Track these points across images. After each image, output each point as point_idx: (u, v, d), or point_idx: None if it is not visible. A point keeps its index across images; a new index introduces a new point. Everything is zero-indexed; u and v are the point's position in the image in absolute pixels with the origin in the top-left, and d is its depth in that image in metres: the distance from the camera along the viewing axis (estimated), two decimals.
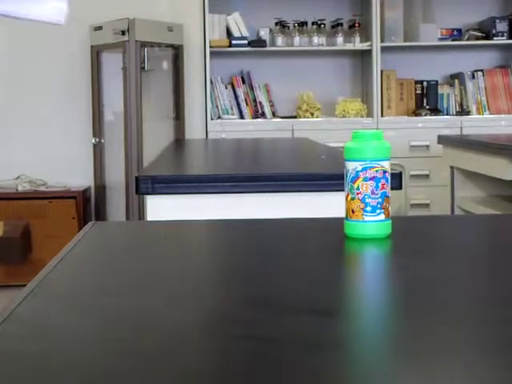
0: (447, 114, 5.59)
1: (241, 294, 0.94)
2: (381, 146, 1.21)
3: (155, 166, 2.68)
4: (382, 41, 5.39)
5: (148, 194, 2.06)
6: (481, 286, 0.98)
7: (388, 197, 1.20)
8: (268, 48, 5.39)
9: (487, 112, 5.58)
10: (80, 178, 5.28)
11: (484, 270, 1.08)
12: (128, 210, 5.12)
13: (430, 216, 4.02)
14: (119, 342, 0.76)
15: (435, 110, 5.55)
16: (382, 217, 1.19)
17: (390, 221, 1.21)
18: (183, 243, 1.32)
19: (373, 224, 1.20)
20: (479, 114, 5.57)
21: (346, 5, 5.61)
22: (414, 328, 0.78)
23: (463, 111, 5.58)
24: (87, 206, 5.25)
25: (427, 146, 5.35)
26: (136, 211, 5.00)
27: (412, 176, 5.27)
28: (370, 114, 5.47)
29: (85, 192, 5.16)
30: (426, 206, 5.36)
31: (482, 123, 5.46)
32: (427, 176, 5.36)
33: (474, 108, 5.59)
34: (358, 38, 5.45)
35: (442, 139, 4.82)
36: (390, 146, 1.22)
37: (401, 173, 2.03)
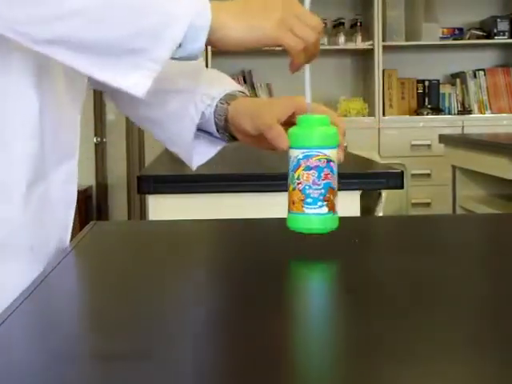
0: (449, 114, 5.59)
1: (241, 293, 0.94)
2: (326, 132, 1.12)
3: (157, 166, 2.68)
4: (384, 40, 5.39)
5: (150, 193, 2.06)
6: (481, 285, 0.98)
7: (333, 188, 1.10)
8: (269, 47, 5.37)
9: (489, 111, 5.58)
10: (82, 177, 5.26)
11: (485, 270, 1.08)
12: (130, 209, 5.13)
13: (431, 215, 4.01)
14: (119, 342, 0.76)
15: (437, 110, 5.55)
16: (325, 210, 1.09)
17: (337, 215, 1.11)
18: (184, 243, 1.32)
19: (315, 217, 1.09)
20: (481, 114, 5.57)
21: (347, 4, 5.60)
22: (413, 328, 0.78)
23: (465, 110, 5.58)
24: (89, 205, 5.25)
25: (429, 146, 5.35)
26: (138, 210, 5.01)
27: (413, 175, 5.27)
28: (371, 114, 5.46)
29: (86, 191, 5.16)
30: (428, 205, 5.36)
31: (483, 122, 5.45)
32: (428, 175, 5.36)
33: (475, 107, 5.59)
34: (359, 38, 5.45)
35: (444, 138, 4.82)
36: (336, 132, 1.12)
37: (402, 172, 2.03)
